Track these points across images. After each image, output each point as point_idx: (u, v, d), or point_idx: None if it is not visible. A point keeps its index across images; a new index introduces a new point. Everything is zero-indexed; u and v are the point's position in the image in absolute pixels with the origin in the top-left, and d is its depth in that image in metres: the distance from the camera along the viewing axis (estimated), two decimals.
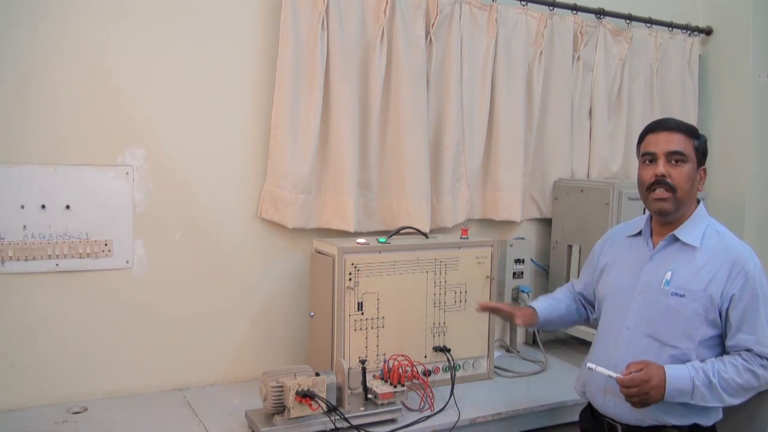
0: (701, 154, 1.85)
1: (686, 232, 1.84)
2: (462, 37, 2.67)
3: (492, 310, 2.18)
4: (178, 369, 2.31)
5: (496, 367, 2.54)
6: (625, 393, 1.75)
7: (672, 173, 1.80)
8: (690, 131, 1.85)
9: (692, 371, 1.74)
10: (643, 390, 1.72)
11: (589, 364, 1.87)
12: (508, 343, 2.88)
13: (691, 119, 3.30)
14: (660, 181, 1.80)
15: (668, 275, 1.82)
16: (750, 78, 3.21)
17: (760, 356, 1.74)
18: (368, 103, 2.50)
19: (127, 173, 2.19)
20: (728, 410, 1.88)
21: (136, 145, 2.19)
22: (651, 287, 1.85)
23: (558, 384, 2.42)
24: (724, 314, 1.77)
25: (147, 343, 2.25)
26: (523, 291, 2.77)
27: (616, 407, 1.86)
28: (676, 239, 1.85)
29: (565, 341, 3.01)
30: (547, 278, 3.00)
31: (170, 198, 2.26)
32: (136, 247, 2.21)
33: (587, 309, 2.19)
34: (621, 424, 1.87)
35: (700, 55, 3.35)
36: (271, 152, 2.36)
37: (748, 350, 1.75)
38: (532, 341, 2.88)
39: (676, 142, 1.81)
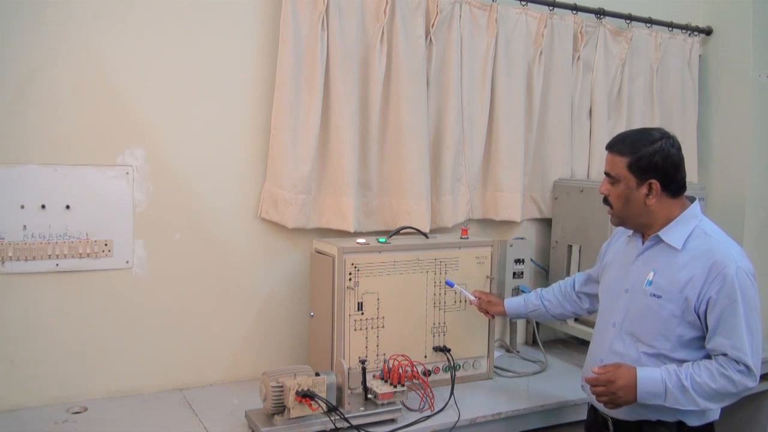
0: (641, 169, 1.81)
1: (670, 233, 1.83)
2: (462, 37, 2.67)
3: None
4: (178, 369, 2.31)
5: (496, 367, 2.54)
6: (593, 392, 1.82)
7: (610, 192, 1.89)
8: (623, 150, 1.84)
9: (665, 374, 1.73)
10: (609, 390, 1.77)
11: (448, 281, 2.17)
12: (508, 343, 2.88)
13: (691, 119, 3.31)
14: (605, 199, 1.92)
15: (650, 275, 1.84)
16: (750, 78, 3.21)
17: (736, 361, 1.70)
18: (368, 103, 2.49)
19: (127, 173, 2.19)
20: (726, 411, 1.88)
21: (136, 145, 2.19)
22: (636, 286, 1.88)
23: (558, 384, 2.42)
24: (702, 317, 1.75)
25: (147, 343, 2.25)
26: (523, 291, 2.76)
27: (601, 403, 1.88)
28: (661, 240, 1.85)
29: (565, 341, 3.01)
30: (547, 278, 3.00)
31: (170, 198, 2.26)
32: (136, 247, 2.21)
33: (590, 302, 2.22)
34: (611, 418, 1.91)
35: (700, 55, 3.35)
36: (271, 152, 2.36)
37: (724, 354, 1.72)
38: (532, 341, 2.88)
39: (608, 163, 1.89)
